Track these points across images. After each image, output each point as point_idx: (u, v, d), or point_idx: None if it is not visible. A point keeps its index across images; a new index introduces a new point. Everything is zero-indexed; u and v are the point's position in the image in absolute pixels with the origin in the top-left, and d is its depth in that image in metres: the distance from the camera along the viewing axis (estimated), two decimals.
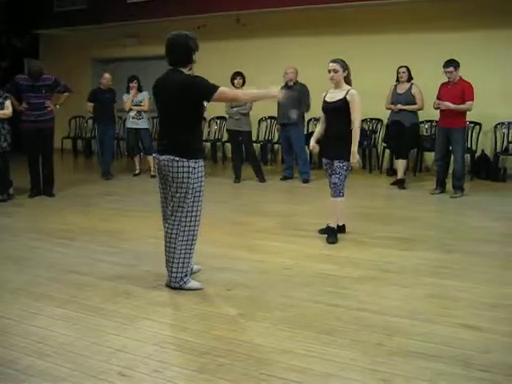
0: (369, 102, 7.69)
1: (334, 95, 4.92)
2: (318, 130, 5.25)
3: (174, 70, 3.69)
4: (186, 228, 3.71)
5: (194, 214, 3.71)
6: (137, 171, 8.90)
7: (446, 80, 6.79)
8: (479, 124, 8.29)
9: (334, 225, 5.03)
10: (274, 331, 3.16)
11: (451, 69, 6.64)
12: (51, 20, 11.18)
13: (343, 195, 4.93)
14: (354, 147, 4.81)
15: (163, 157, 3.67)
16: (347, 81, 4.93)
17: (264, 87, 3.84)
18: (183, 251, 3.73)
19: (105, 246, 4.93)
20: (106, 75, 8.72)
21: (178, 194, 3.64)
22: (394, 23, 8.64)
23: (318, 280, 4.01)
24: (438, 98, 6.85)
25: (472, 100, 6.65)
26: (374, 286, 3.86)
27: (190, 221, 3.71)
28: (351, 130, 4.81)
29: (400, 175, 7.57)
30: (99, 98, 8.63)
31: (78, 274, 4.17)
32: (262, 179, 8.13)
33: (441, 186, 7.08)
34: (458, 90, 6.66)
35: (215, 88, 3.61)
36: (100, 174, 8.77)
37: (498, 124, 8.18)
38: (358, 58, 8.43)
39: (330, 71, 4.88)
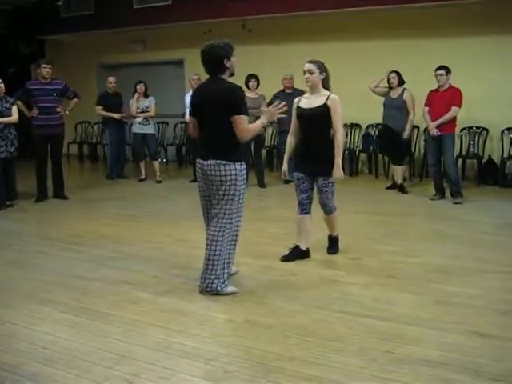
0: (375, 108, 7.71)
1: (311, 101, 4.41)
2: (289, 146, 4.61)
3: (215, 78, 3.74)
4: (232, 231, 3.73)
5: (239, 216, 3.76)
6: (142, 177, 8.89)
7: (436, 86, 6.82)
8: (486, 129, 8.25)
9: (335, 234, 4.82)
10: (281, 338, 3.13)
11: (442, 71, 6.70)
12: (57, 26, 11.21)
13: (335, 209, 4.60)
14: (339, 159, 4.32)
15: (208, 161, 3.68)
16: (326, 86, 4.42)
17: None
18: (227, 254, 3.74)
19: (111, 251, 4.93)
20: (110, 78, 8.91)
21: (226, 197, 3.66)
22: (388, 29, 8.61)
23: (325, 286, 3.98)
24: (427, 104, 6.90)
25: (458, 106, 6.69)
26: (381, 293, 3.83)
27: (236, 223, 3.74)
28: (332, 140, 4.34)
29: (399, 181, 7.55)
30: (106, 102, 8.74)
31: (84, 280, 4.16)
32: (262, 185, 8.15)
33: (440, 192, 7.02)
34: (447, 97, 6.71)
35: (243, 111, 3.66)
36: (105, 177, 8.92)
37: (505, 129, 8.13)
38: (358, 64, 8.47)
39: (304, 72, 4.35)
